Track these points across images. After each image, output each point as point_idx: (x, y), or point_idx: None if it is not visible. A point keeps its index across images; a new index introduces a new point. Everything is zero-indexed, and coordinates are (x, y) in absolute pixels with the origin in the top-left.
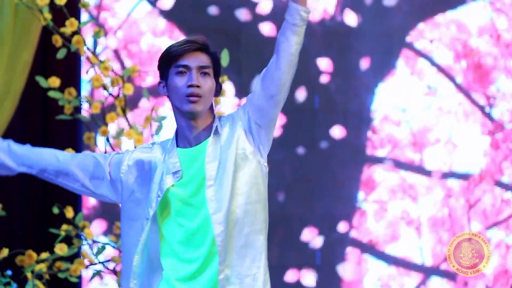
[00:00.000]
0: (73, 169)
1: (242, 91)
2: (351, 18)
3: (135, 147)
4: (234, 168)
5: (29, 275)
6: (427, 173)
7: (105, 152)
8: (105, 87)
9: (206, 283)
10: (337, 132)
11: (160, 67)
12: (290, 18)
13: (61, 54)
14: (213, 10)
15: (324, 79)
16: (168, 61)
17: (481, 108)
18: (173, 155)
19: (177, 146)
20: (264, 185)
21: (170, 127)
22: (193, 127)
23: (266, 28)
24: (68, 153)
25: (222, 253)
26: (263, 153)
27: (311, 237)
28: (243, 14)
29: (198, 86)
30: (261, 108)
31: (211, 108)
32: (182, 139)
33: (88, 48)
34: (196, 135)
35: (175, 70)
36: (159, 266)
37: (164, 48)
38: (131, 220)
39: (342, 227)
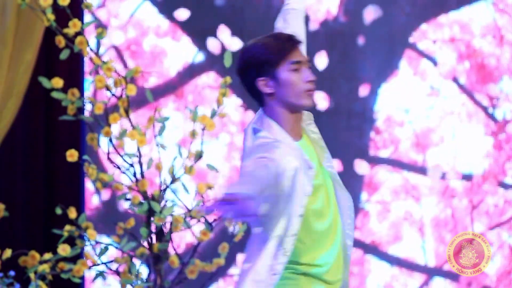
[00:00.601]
0: None
1: (243, 91)
2: (353, 19)
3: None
4: None
5: (32, 275)
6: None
7: (108, 154)
8: (108, 88)
9: (342, 268)
10: (340, 133)
11: (262, 64)
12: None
13: (64, 54)
14: (219, 1)
15: (326, 79)
16: (277, 57)
17: (484, 109)
18: (300, 151)
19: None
20: None
21: (172, 127)
22: (299, 120)
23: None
24: None
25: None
26: None
27: None
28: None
29: (313, 81)
30: None
31: None
32: (290, 133)
33: (91, 49)
34: (300, 126)
35: (288, 66)
36: None
37: (165, 49)
38: (281, 215)
39: None
